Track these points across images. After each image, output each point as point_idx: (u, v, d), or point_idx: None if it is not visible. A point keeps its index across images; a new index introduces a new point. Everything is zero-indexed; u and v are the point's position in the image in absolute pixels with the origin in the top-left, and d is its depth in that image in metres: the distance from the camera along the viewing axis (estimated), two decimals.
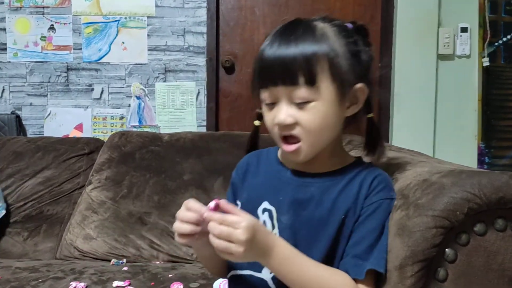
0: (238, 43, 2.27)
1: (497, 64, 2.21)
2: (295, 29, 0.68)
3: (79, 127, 2.24)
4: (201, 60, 2.22)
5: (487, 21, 2.18)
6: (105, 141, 1.70)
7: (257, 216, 0.74)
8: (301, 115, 0.67)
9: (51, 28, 2.21)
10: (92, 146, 1.67)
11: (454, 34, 2.16)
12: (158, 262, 1.34)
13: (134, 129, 2.22)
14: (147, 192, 1.46)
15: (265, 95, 0.69)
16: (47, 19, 2.21)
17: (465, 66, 2.19)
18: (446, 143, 2.19)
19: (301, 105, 0.67)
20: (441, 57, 2.17)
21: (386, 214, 0.68)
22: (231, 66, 2.25)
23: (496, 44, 2.20)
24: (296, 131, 0.68)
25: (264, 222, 0.73)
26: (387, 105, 2.23)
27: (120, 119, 2.25)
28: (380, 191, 0.69)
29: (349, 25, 0.73)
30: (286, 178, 0.75)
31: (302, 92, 0.66)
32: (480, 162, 2.21)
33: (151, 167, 1.52)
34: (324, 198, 0.71)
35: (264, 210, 0.74)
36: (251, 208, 0.73)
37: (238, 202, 0.80)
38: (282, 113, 0.67)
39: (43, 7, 2.21)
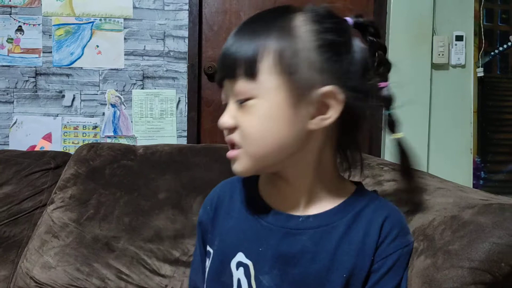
0: (221, 49, 2.12)
1: (493, 75, 2.12)
2: (253, 21, 0.57)
3: (48, 137, 2.08)
4: (182, 66, 2.08)
5: (482, 29, 2.09)
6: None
7: (230, 272, 0.58)
8: (241, 117, 0.55)
9: (19, 29, 2.05)
10: (60, 160, 1.50)
11: (449, 43, 2.07)
12: None
13: (109, 140, 2.06)
14: (116, 213, 1.30)
15: (221, 96, 0.59)
16: (14, 19, 2.05)
17: (460, 76, 2.11)
18: (440, 157, 2.09)
19: (242, 104, 0.54)
20: (435, 66, 2.08)
21: (406, 267, 0.54)
22: (214, 73, 2.11)
23: (492, 53, 2.11)
24: (235, 136, 0.55)
25: (239, 281, 0.57)
26: (380, 116, 2.11)
27: (93, 129, 2.09)
28: (395, 238, 0.54)
29: (349, 20, 0.60)
30: (267, 221, 0.58)
31: (240, 85, 0.54)
32: (476, 177, 2.11)
33: (122, 184, 1.36)
34: (320, 250, 0.55)
35: (239, 264, 0.58)
36: (224, 261, 0.59)
37: (210, 250, 0.62)
38: (224, 114, 0.56)
39: (11, 7, 2.04)
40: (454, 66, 2.10)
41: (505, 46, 2.11)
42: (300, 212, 0.57)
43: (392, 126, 0.59)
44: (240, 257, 0.58)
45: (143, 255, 1.22)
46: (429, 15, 2.05)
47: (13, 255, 1.31)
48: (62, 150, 1.95)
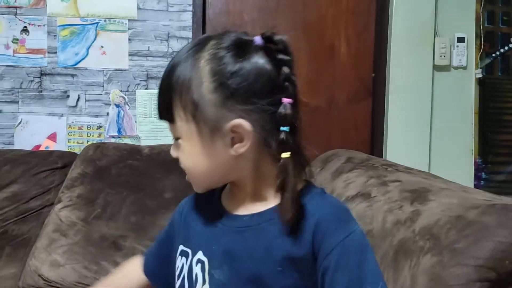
0: None
1: (494, 76, 2.13)
2: (170, 69, 0.62)
3: (53, 137, 2.09)
4: None
5: (482, 31, 2.11)
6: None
7: (191, 268, 0.65)
8: (179, 151, 0.63)
9: (24, 30, 2.06)
10: (67, 159, 1.52)
11: (451, 44, 2.08)
12: None
13: (113, 140, 2.08)
14: (123, 212, 1.32)
15: None
16: (20, 20, 2.06)
17: (462, 77, 2.12)
18: (441, 158, 2.11)
19: (176, 140, 0.63)
20: (437, 68, 2.09)
21: (358, 254, 0.56)
22: None
23: (494, 55, 2.12)
24: (182, 166, 0.65)
25: (196, 275, 0.64)
26: (381, 117, 2.13)
27: (97, 129, 2.10)
28: (333, 232, 0.57)
29: (257, 39, 0.60)
30: (222, 223, 0.64)
31: (168, 126, 0.63)
32: (477, 178, 2.13)
33: (128, 184, 1.38)
34: (259, 245, 0.59)
35: (198, 261, 0.65)
36: (190, 258, 0.66)
37: (182, 248, 0.68)
38: (172, 147, 0.65)
39: (16, 8, 2.05)
40: (456, 68, 2.11)
41: (506, 48, 2.13)
42: (247, 212, 0.63)
43: (281, 144, 0.58)
44: (199, 254, 0.65)
45: None
46: (431, 17, 2.07)
47: (22, 253, 1.33)
48: (67, 150, 1.97)
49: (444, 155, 2.10)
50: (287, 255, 0.57)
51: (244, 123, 0.58)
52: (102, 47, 2.07)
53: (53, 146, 2.07)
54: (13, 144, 2.05)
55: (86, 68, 2.07)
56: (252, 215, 0.62)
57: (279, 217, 0.58)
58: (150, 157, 1.46)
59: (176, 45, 2.09)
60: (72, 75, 2.07)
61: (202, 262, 0.64)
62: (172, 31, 2.09)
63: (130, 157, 1.46)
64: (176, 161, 1.47)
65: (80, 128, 2.10)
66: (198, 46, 0.60)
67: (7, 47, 2.05)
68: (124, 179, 1.39)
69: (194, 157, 0.61)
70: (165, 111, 0.61)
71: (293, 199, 0.57)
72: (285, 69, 0.58)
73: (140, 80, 2.09)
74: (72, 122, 2.09)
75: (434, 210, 0.59)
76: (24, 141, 2.05)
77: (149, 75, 2.09)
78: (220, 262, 0.62)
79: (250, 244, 0.60)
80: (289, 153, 0.58)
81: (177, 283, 0.67)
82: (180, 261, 0.68)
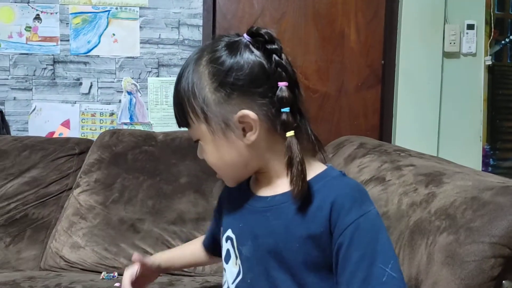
0: None
1: (503, 63, 2.13)
2: (177, 79, 0.67)
3: (66, 124, 2.12)
4: None
5: (493, 18, 2.11)
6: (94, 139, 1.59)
7: (223, 245, 0.73)
8: (203, 152, 0.69)
9: (37, 18, 2.08)
10: (83, 146, 1.56)
11: (460, 31, 2.08)
12: None
13: (125, 127, 2.11)
14: (140, 196, 1.35)
15: None
16: (32, 8, 2.08)
17: (471, 64, 2.12)
18: (450, 144, 2.12)
19: (198, 143, 0.68)
20: (446, 55, 2.10)
21: (371, 232, 0.59)
22: None
23: (503, 42, 2.12)
24: (209, 164, 0.70)
25: (228, 251, 0.72)
26: (390, 104, 2.14)
27: (110, 116, 2.13)
28: (349, 210, 0.60)
29: (245, 37, 0.66)
30: (249, 204, 0.70)
31: (189, 131, 0.68)
32: (485, 164, 2.15)
33: (144, 169, 1.41)
34: (279, 224, 0.64)
35: (227, 238, 0.72)
36: (222, 235, 0.73)
37: (221, 229, 0.76)
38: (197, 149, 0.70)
39: None
40: (465, 55, 2.11)
41: None
42: (270, 193, 0.67)
43: (283, 125, 0.63)
44: (229, 232, 0.71)
45: (167, 237, 1.28)
46: (441, 4, 2.06)
47: (43, 236, 1.37)
48: (80, 137, 2.01)
49: (453, 141, 2.12)
50: (305, 233, 0.61)
51: (248, 113, 0.63)
52: (113, 34, 2.09)
53: (67, 133, 2.10)
54: (27, 131, 2.09)
55: (98, 56, 2.09)
56: (274, 196, 0.66)
57: (292, 193, 0.62)
58: (164, 143, 1.49)
59: (187, 33, 2.10)
60: (85, 63, 2.09)
61: (231, 239, 0.70)
62: (183, 19, 2.10)
63: (145, 143, 1.49)
64: (190, 147, 1.50)
65: (93, 115, 2.13)
66: (197, 55, 0.66)
67: (20, 35, 2.08)
68: (140, 164, 1.42)
69: (215, 154, 0.66)
70: (181, 118, 0.67)
71: (299, 174, 0.60)
72: (275, 57, 0.63)
73: (152, 68, 2.11)
74: (85, 109, 2.12)
75: (449, 192, 0.62)
76: (38, 128, 2.08)
77: (160, 63, 2.11)
78: (245, 239, 0.67)
79: (271, 223, 0.64)
80: (292, 132, 0.62)
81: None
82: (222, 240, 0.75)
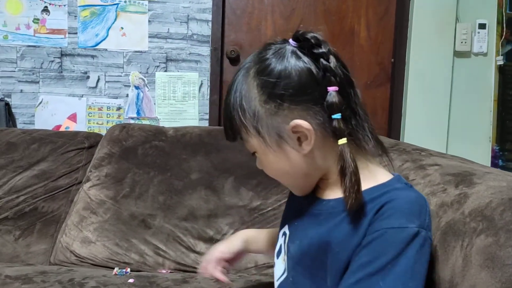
0: (244, 33, 2.14)
1: None
2: (227, 95, 0.66)
3: (73, 117, 2.10)
4: (205, 50, 2.09)
5: (504, 18, 2.09)
6: (104, 134, 1.57)
7: (278, 238, 0.74)
8: (261, 164, 0.68)
9: (45, 10, 2.06)
10: (92, 140, 1.54)
11: (472, 31, 2.07)
12: (164, 271, 1.22)
13: (132, 121, 2.09)
14: (151, 191, 1.34)
15: None
16: (40, 0, 2.06)
17: (482, 64, 2.11)
18: (459, 144, 2.11)
19: (254, 155, 0.67)
20: (457, 54, 2.08)
21: (394, 248, 0.54)
22: (236, 57, 2.12)
23: None
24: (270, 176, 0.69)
25: (280, 246, 0.72)
26: (400, 102, 2.13)
27: (117, 110, 2.11)
28: (385, 218, 0.56)
29: (291, 43, 0.64)
30: (307, 203, 0.68)
31: (244, 144, 0.66)
32: (494, 165, 2.13)
33: (155, 164, 1.39)
34: (326, 229, 0.62)
35: (283, 233, 0.72)
36: (280, 229, 0.74)
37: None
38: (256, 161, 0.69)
39: None
40: (476, 54, 2.10)
41: None
42: (326, 196, 0.66)
43: (334, 132, 0.60)
44: (285, 228, 0.71)
45: (178, 233, 1.27)
46: (453, 3, 2.05)
47: (52, 230, 1.36)
48: (87, 130, 1.99)
49: (462, 141, 2.10)
50: (353, 243, 0.58)
51: (301, 122, 0.60)
52: (122, 28, 2.07)
53: (73, 127, 2.09)
54: (33, 124, 2.07)
55: (106, 49, 2.07)
56: (329, 201, 0.65)
57: (345, 204, 0.58)
58: (175, 138, 1.47)
59: (196, 28, 2.08)
60: (92, 56, 2.08)
61: (285, 235, 0.70)
62: (192, 13, 2.08)
63: (156, 138, 1.47)
64: (201, 143, 1.49)
65: (100, 109, 2.11)
66: (247, 65, 0.65)
67: (28, 27, 2.06)
68: (151, 159, 1.41)
69: (273, 166, 0.65)
70: (232, 133, 0.66)
71: (352, 185, 0.57)
72: (322, 61, 0.60)
73: (160, 62, 2.09)
74: (92, 103, 2.11)
75: (483, 193, 0.60)
76: (45, 121, 2.07)
77: (169, 57, 2.10)
78: (296, 237, 0.67)
79: (321, 227, 0.63)
80: (344, 139, 0.59)
81: None
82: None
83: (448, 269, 0.58)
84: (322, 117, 0.60)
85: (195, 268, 1.22)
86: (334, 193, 0.64)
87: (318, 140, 0.61)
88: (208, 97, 2.10)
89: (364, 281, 0.54)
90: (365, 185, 0.59)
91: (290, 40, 0.64)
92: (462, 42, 2.07)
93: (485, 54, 2.10)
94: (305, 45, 0.62)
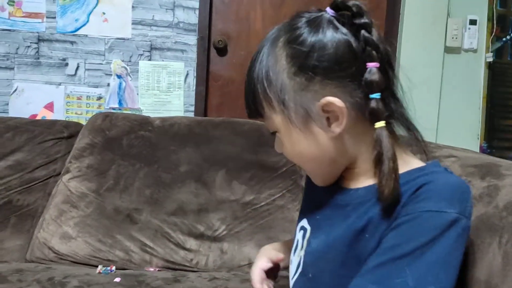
0: (232, 22, 2.07)
1: (503, 61, 2.11)
2: (250, 66, 0.60)
3: (50, 106, 1.99)
4: (192, 39, 2.01)
5: (495, 14, 2.08)
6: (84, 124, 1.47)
7: (295, 233, 0.68)
8: (282, 145, 0.61)
9: None
10: (72, 129, 1.44)
11: (463, 27, 2.05)
12: (152, 269, 1.14)
13: (113, 112, 1.99)
14: (137, 184, 1.25)
15: None
16: None
17: (472, 61, 2.10)
18: (447, 141, 2.05)
19: (275, 135, 0.61)
20: (448, 49, 2.06)
21: (427, 234, 0.48)
22: (224, 47, 2.05)
23: (504, 39, 2.10)
24: (291, 160, 0.63)
25: (297, 241, 0.66)
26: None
27: (97, 100, 2.01)
28: (421, 200, 0.50)
29: (328, 12, 0.57)
30: (329, 194, 0.62)
31: (265, 122, 0.61)
32: None
33: (141, 156, 1.31)
34: (357, 221, 0.56)
35: (301, 228, 0.66)
36: (297, 224, 0.68)
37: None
38: (275, 142, 0.63)
39: None
40: (466, 51, 2.08)
41: None
42: (356, 185, 0.60)
43: (372, 114, 0.53)
44: (304, 222, 0.65)
45: (167, 228, 1.19)
46: None
47: (28, 225, 1.26)
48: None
49: (450, 138, 2.08)
50: (377, 226, 0.53)
51: (333, 100, 0.54)
52: (104, 13, 1.98)
53: (50, 116, 1.98)
54: (7, 112, 1.96)
55: (86, 36, 1.97)
56: (357, 189, 0.59)
57: (380, 193, 0.52)
58: (162, 129, 1.39)
59: (182, 15, 2.00)
60: (72, 42, 1.97)
61: (305, 230, 0.64)
62: (178, 0, 2.00)
63: (141, 128, 1.38)
64: (190, 133, 1.41)
65: (79, 99, 2.01)
66: (274, 35, 0.59)
67: (2, 9, 1.94)
68: (137, 150, 1.32)
69: (296, 148, 0.59)
70: (254, 108, 0.60)
71: (391, 173, 0.51)
72: (364, 33, 0.54)
73: (144, 51, 2.01)
74: (71, 91, 2.00)
75: None
76: (20, 109, 1.96)
77: (153, 46, 2.01)
78: (320, 232, 0.61)
79: (351, 218, 0.56)
80: (383, 122, 0.53)
81: None
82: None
83: (483, 268, 0.52)
84: (357, 96, 0.54)
85: (185, 266, 1.14)
86: (362, 182, 0.58)
87: (350, 122, 0.55)
88: (194, 88, 2.03)
89: (387, 265, 0.49)
90: (400, 170, 0.53)
91: (328, 9, 0.57)
92: (453, 38, 2.05)
93: (475, 51, 2.09)
94: (345, 15, 0.55)
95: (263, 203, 1.25)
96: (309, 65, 0.54)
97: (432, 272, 0.47)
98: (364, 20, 0.55)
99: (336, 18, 0.56)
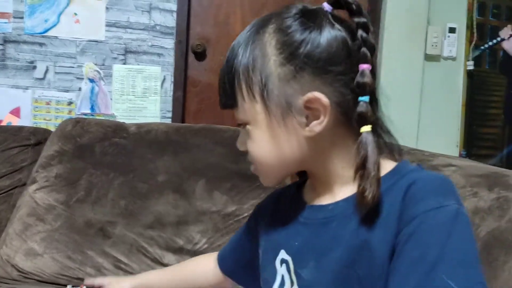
0: (211, 26, 2.02)
1: (481, 69, 2.13)
2: (233, 46, 0.57)
3: (16, 112, 1.91)
4: (169, 42, 1.95)
5: (474, 23, 2.10)
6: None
7: (274, 269, 0.60)
8: (248, 141, 0.58)
9: None
10: (40, 136, 1.36)
11: (442, 35, 2.06)
12: None
13: (85, 117, 1.90)
14: (110, 195, 1.17)
15: None
16: None
17: (451, 69, 2.11)
18: (427, 148, 2.04)
19: (244, 128, 0.57)
20: (428, 57, 2.06)
21: (440, 231, 0.46)
22: (203, 51, 1.99)
23: (482, 48, 2.12)
24: (249, 157, 0.59)
25: (283, 277, 0.59)
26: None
27: (68, 105, 1.93)
28: (419, 201, 0.48)
29: (326, 6, 0.55)
30: (303, 217, 0.59)
31: (234, 112, 0.58)
32: None
33: (115, 164, 1.23)
34: (347, 232, 0.52)
35: (282, 261, 0.59)
36: (267, 258, 0.62)
37: (260, 252, 0.66)
38: (238, 139, 0.60)
39: None
40: (446, 58, 2.09)
41: (494, 41, 2.13)
42: (331, 199, 0.56)
43: (360, 117, 0.51)
44: (282, 254, 0.59)
45: (143, 243, 1.12)
46: (424, 5, 2.03)
47: None
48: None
49: (430, 146, 2.06)
50: (384, 241, 0.49)
51: (320, 96, 0.51)
52: (75, 14, 1.91)
53: (16, 122, 1.89)
54: None
55: (56, 37, 1.90)
56: (337, 203, 0.55)
57: (360, 199, 0.49)
58: (138, 136, 1.32)
59: (159, 18, 1.94)
60: (40, 44, 1.90)
61: (286, 262, 0.58)
62: (154, 2, 1.95)
63: (116, 135, 1.31)
64: (168, 141, 1.34)
65: (47, 103, 1.93)
66: (260, 23, 0.56)
67: None
68: (110, 159, 1.24)
69: (265, 143, 0.55)
70: (228, 96, 0.56)
71: (375, 179, 0.49)
72: (361, 32, 0.52)
73: (118, 54, 1.94)
74: (39, 96, 1.92)
75: None
76: None
77: (128, 49, 1.94)
78: (307, 260, 0.55)
79: (338, 233, 0.53)
80: (369, 126, 0.51)
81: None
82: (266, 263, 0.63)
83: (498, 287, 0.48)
84: (343, 97, 0.52)
85: None
86: (338, 195, 0.55)
87: (330, 123, 0.53)
88: (172, 93, 1.97)
89: (424, 283, 0.44)
90: (383, 171, 0.52)
91: (325, 4, 0.55)
92: (433, 46, 2.05)
93: (454, 59, 2.10)
94: (343, 11, 0.54)
95: (245, 214, 1.19)
96: (299, 55, 0.52)
97: (462, 266, 0.45)
98: (363, 19, 0.53)
99: (332, 14, 0.54)
